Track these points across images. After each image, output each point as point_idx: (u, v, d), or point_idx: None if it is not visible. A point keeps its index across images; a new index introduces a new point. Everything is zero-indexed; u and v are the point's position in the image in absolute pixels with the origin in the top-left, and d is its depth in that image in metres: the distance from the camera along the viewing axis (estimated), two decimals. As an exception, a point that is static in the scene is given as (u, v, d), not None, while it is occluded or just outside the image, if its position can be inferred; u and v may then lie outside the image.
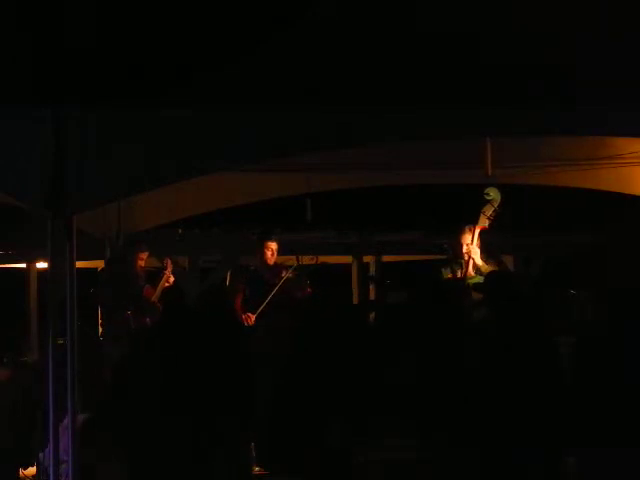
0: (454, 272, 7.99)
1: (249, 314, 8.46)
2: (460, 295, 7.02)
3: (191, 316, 6.85)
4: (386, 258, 13.88)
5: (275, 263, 8.76)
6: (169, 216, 10.23)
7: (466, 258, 7.94)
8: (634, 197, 9.27)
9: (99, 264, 10.66)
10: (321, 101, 5.94)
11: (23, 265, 13.40)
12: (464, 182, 9.50)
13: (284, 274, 8.58)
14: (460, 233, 8.03)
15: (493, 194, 7.96)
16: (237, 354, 6.61)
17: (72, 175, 5.93)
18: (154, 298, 8.79)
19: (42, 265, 12.60)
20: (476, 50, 5.93)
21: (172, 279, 9.04)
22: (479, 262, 7.86)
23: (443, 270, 8.14)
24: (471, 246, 7.89)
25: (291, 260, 8.94)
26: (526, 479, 5.83)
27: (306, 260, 8.94)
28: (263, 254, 8.73)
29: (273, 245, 8.71)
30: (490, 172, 8.35)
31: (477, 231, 7.94)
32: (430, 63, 5.96)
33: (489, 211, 7.94)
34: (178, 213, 10.27)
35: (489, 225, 7.97)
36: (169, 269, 9.04)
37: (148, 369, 6.47)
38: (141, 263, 9.03)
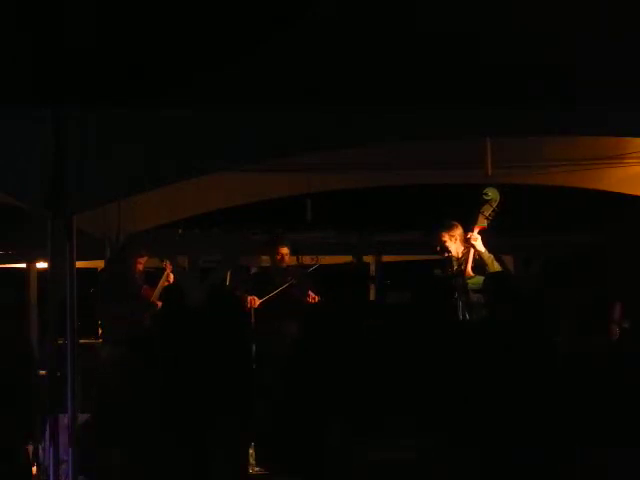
0: (445, 270, 7.99)
1: (254, 297, 8.50)
2: (449, 291, 6.98)
3: (191, 316, 6.85)
4: (386, 258, 13.87)
5: (287, 266, 8.84)
6: (169, 216, 10.22)
7: (460, 255, 7.93)
8: (634, 197, 9.26)
9: (99, 264, 10.65)
10: (321, 101, 5.94)
11: (23, 265, 13.39)
12: (464, 182, 9.49)
13: (290, 279, 8.64)
14: (440, 230, 8.05)
15: (492, 194, 7.95)
16: (237, 354, 6.61)
17: (72, 175, 5.94)
18: (153, 298, 8.86)
19: (42, 265, 12.59)
20: (476, 50, 5.93)
21: (172, 277, 9.13)
22: (481, 249, 7.83)
23: (436, 270, 8.15)
24: (472, 234, 7.87)
25: (295, 262, 8.98)
26: (526, 479, 5.83)
27: (306, 260, 8.97)
28: (274, 258, 8.83)
29: (284, 250, 8.84)
30: (490, 172, 8.35)
31: (476, 230, 7.93)
32: (430, 63, 5.96)
33: (488, 211, 7.93)
34: (178, 213, 10.26)
35: (488, 225, 7.96)
36: (169, 269, 9.12)
37: (148, 369, 6.46)
38: (139, 267, 9.08)
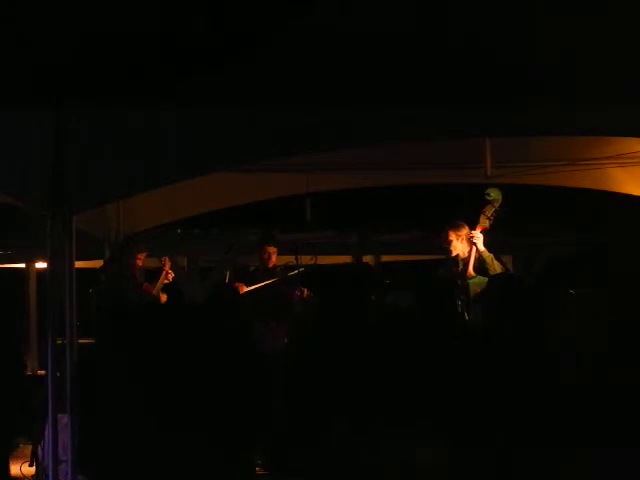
0: (449, 270, 7.98)
1: (242, 284, 8.56)
2: (452, 291, 6.96)
3: (191, 315, 6.84)
4: (386, 258, 13.88)
5: (274, 266, 8.90)
6: (169, 216, 10.23)
7: (465, 256, 7.93)
8: (634, 197, 9.27)
9: (99, 264, 10.66)
10: (321, 101, 5.94)
11: (22, 265, 13.40)
12: (464, 182, 9.50)
13: (276, 277, 8.72)
14: (447, 229, 8.03)
15: (494, 194, 7.95)
16: (238, 354, 6.60)
17: (72, 175, 5.94)
18: (154, 292, 8.92)
19: (42, 265, 12.59)
20: (476, 50, 5.93)
21: (171, 275, 9.18)
22: (481, 247, 7.82)
23: (440, 270, 8.15)
24: (474, 232, 7.87)
25: (292, 261, 9.00)
26: (526, 479, 5.83)
27: (306, 260, 8.99)
28: (261, 258, 8.87)
29: (271, 249, 8.92)
30: (490, 172, 8.36)
31: (479, 230, 7.93)
32: (430, 63, 5.96)
33: (490, 211, 7.93)
34: (178, 213, 10.27)
35: (489, 225, 7.96)
36: (167, 266, 9.17)
37: (148, 367, 6.46)
38: (139, 263, 9.10)
